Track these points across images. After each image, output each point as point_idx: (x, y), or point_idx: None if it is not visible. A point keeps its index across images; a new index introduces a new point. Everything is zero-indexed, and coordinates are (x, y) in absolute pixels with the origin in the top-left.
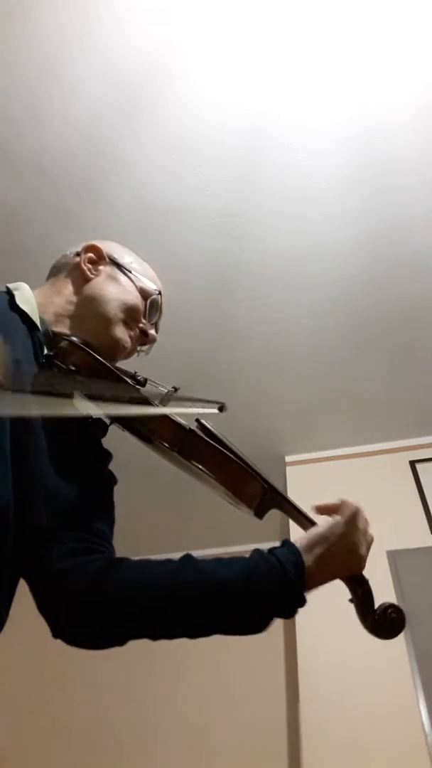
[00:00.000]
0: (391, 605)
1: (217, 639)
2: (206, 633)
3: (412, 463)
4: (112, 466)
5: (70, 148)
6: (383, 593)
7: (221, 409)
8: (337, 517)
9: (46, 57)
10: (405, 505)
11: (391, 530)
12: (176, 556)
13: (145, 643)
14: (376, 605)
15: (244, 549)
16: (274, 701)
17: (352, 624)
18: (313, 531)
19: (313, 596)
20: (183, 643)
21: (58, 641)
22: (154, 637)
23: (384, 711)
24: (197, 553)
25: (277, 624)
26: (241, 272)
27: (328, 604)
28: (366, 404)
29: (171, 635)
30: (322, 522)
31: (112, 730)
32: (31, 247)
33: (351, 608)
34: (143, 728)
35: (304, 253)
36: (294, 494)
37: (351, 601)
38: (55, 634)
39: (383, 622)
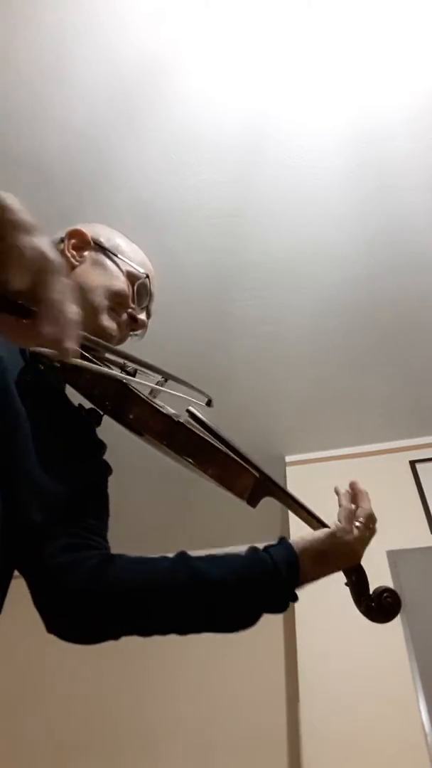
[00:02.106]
0: (387, 589)
1: (216, 638)
2: (198, 629)
3: (412, 463)
4: (109, 462)
5: (70, 148)
6: None
7: (209, 404)
8: (338, 523)
9: (46, 57)
10: (405, 505)
11: (391, 530)
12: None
13: (143, 643)
14: (372, 590)
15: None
16: (274, 701)
17: (352, 624)
18: (314, 535)
19: (313, 596)
20: (182, 642)
21: (55, 640)
22: (146, 633)
23: (384, 710)
24: (196, 553)
25: (277, 623)
26: (241, 272)
27: (328, 604)
28: (366, 404)
29: (163, 631)
30: (317, 533)
31: (110, 733)
32: None
33: (351, 608)
34: (142, 728)
35: (304, 253)
36: (294, 494)
37: (347, 584)
38: (49, 629)
39: (378, 607)
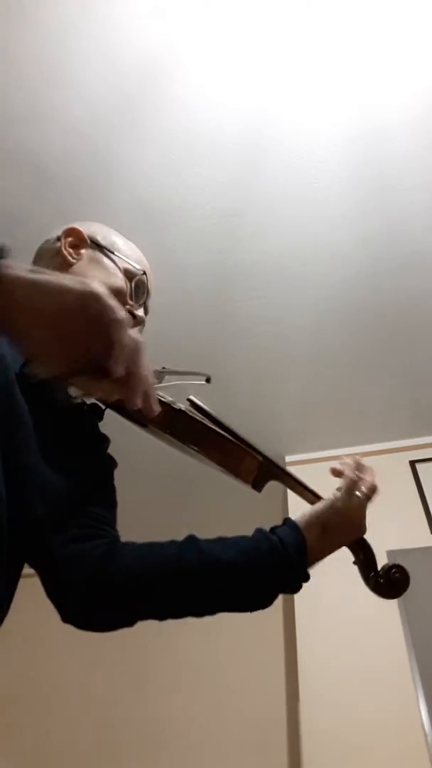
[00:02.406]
0: (395, 565)
1: (216, 637)
2: (213, 611)
3: (412, 463)
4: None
5: (70, 148)
6: None
7: (208, 380)
8: (336, 493)
9: (46, 57)
10: (405, 505)
11: (391, 530)
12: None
13: (144, 644)
14: (379, 567)
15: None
16: (274, 700)
17: (352, 624)
18: (313, 508)
19: (313, 596)
20: (182, 640)
21: (53, 636)
22: (162, 617)
23: (384, 710)
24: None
25: (277, 623)
26: (241, 272)
27: (328, 603)
28: (366, 404)
29: (178, 615)
30: (316, 505)
31: (110, 730)
32: (31, 246)
33: (351, 608)
34: (142, 728)
35: (304, 253)
36: (294, 494)
37: (355, 563)
38: (64, 619)
39: (387, 582)
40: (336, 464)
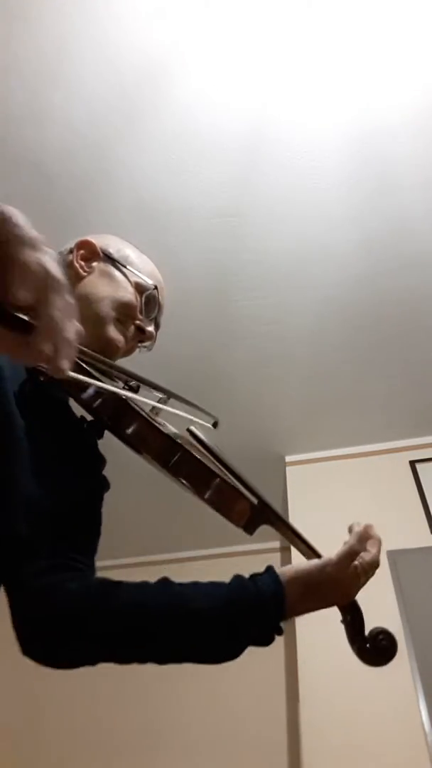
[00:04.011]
0: (383, 631)
1: None
2: (178, 659)
3: (412, 463)
4: (110, 467)
5: (70, 148)
6: (383, 593)
7: (215, 425)
8: (332, 557)
9: (46, 57)
10: (405, 505)
11: (391, 530)
12: (176, 555)
13: None
14: (368, 630)
15: (243, 549)
16: (274, 701)
17: None
18: (301, 566)
19: None
20: None
21: None
22: (124, 661)
23: (384, 711)
24: (197, 553)
25: None
26: (241, 272)
27: None
28: (366, 404)
29: (141, 660)
30: (307, 563)
31: (111, 734)
32: None
33: None
34: (142, 728)
35: (304, 253)
36: (294, 494)
37: (342, 622)
38: (24, 652)
39: (373, 649)
40: (353, 523)
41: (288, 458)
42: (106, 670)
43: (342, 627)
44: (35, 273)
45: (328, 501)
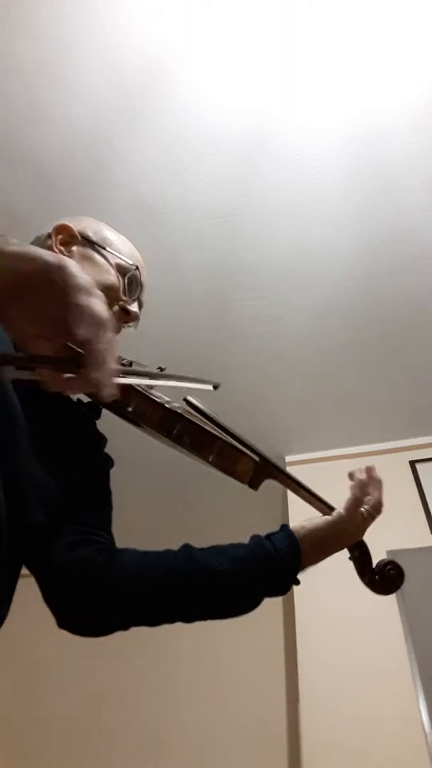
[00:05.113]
0: (390, 561)
1: (216, 637)
2: (203, 617)
3: (412, 463)
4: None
5: (70, 148)
6: None
7: (216, 387)
8: (341, 512)
9: (46, 57)
10: (405, 505)
11: (391, 530)
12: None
13: (143, 644)
14: (374, 563)
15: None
16: (274, 701)
17: (352, 624)
18: (314, 522)
19: (313, 596)
20: (182, 641)
21: (52, 639)
22: (154, 623)
23: (384, 711)
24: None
25: (277, 623)
26: (241, 272)
27: (328, 603)
28: (366, 404)
29: (170, 620)
30: (318, 521)
31: (110, 730)
32: None
33: (351, 608)
34: (142, 729)
35: (304, 253)
36: (294, 494)
37: (350, 559)
38: (60, 625)
39: (382, 579)
40: (354, 470)
41: (288, 458)
42: (107, 669)
43: (341, 627)
44: (91, 316)
45: (329, 501)
